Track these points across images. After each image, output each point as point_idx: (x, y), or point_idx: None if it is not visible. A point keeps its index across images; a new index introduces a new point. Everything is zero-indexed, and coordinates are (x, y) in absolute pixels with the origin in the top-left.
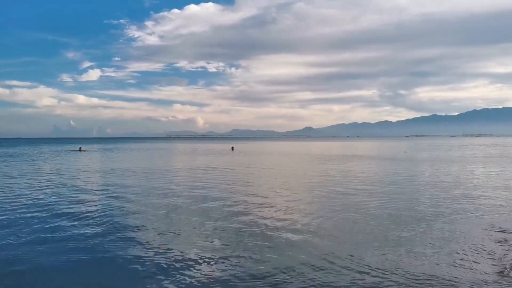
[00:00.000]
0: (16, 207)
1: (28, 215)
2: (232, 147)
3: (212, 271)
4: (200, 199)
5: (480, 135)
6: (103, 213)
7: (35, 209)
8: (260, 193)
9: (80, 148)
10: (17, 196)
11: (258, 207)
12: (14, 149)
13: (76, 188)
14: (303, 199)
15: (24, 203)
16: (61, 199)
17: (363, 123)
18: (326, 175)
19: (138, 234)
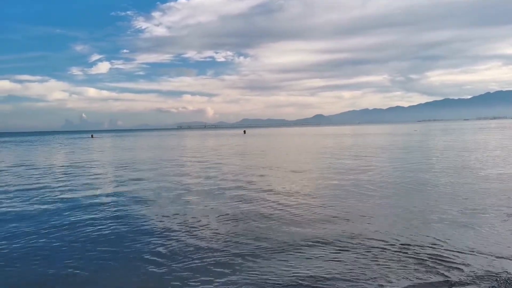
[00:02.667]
0: (35, 178)
1: (42, 190)
2: (244, 131)
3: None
4: (213, 165)
5: (494, 118)
6: (114, 188)
7: (47, 184)
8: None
9: (92, 135)
10: (35, 170)
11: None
12: (30, 137)
13: (88, 161)
14: (317, 162)
15: (40, 176)
16: (71, 171)
17: (374, 109)
18: (339, 146)
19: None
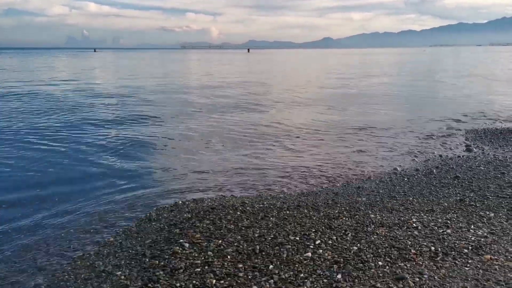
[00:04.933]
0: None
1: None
2: (248, 49)
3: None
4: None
5: (507, 44)
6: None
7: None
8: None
9: (95, 49)
10: (40, 75)
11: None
12: (30, 50)
13: (91, 68)
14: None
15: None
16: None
17: (385, 33)
18: (343, 62)
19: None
